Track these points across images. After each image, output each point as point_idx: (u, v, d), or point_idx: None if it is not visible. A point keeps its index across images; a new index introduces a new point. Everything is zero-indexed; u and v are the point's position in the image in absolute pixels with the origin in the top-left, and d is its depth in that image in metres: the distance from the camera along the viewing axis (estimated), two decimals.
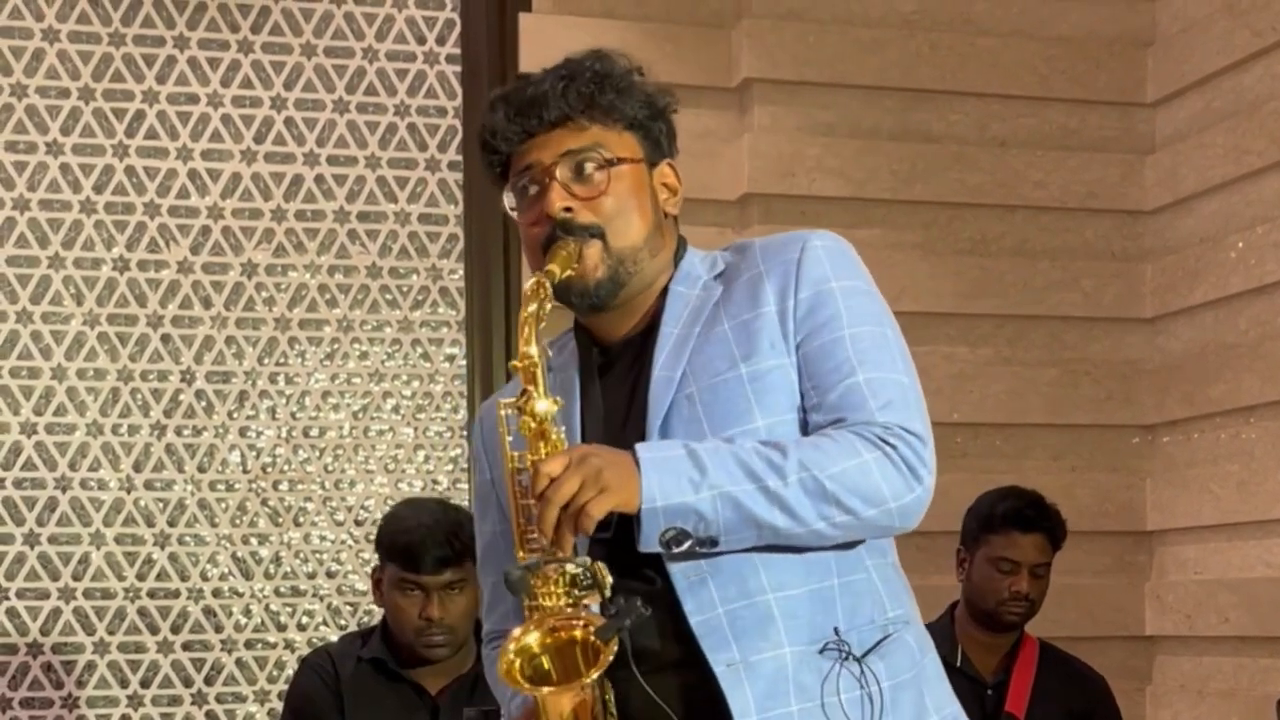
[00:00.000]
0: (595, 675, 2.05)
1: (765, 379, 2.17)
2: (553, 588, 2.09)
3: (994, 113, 4.86)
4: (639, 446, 2.09)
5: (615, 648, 2.04)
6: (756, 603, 2.12)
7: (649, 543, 2.07)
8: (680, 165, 4.78)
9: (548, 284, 2.13)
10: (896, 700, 2.16)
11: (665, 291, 2.27)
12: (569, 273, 2.17)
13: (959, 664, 4.06)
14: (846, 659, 2.13)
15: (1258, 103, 4.56)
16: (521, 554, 2.11)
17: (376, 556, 3.64)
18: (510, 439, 2.15)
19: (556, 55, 4.81)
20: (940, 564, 4.27)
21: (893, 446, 2.13)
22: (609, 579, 2.06)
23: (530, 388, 2.11)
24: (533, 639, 2.09)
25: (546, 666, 2.09)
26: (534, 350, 2.10)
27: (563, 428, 2.14)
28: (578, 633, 2.07)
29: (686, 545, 2.07)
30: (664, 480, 2.06)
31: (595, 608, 2.10)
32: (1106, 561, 4.88)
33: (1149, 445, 4.92)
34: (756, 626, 2.11)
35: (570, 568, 2.07)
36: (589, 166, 2.22)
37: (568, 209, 2.20)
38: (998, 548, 4.06)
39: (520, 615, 2.21)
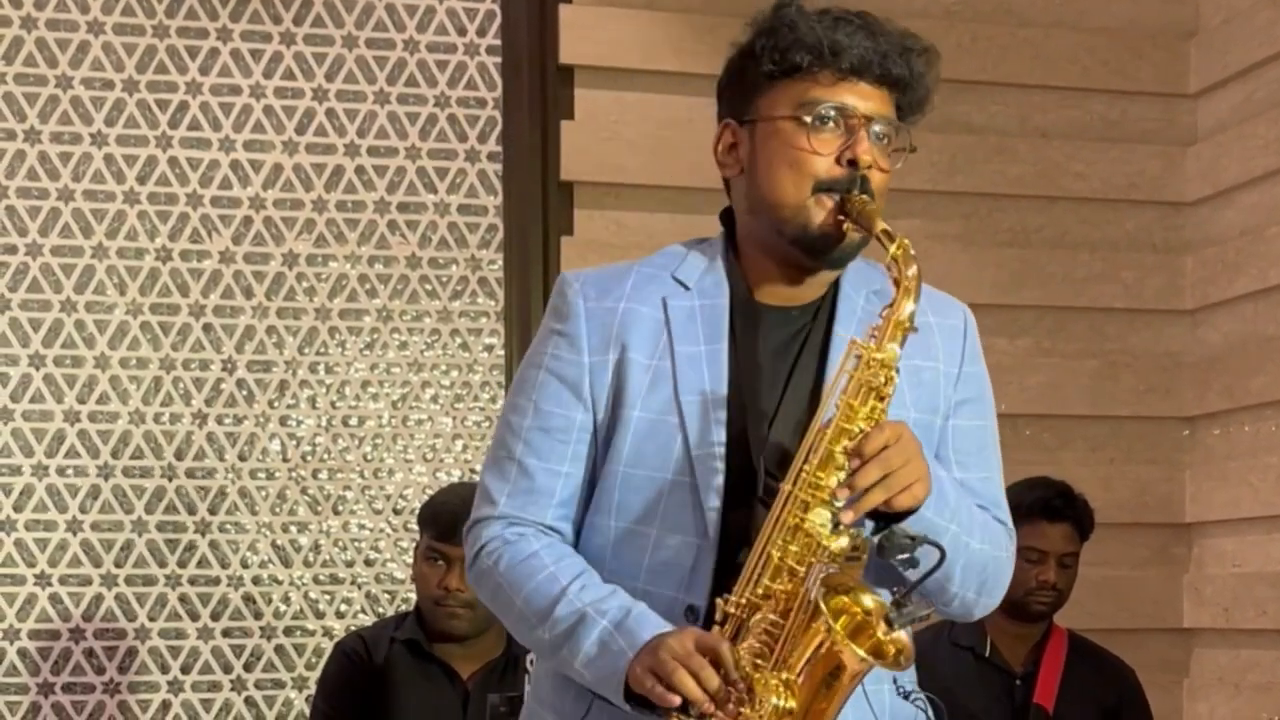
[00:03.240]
0: (879, 661, 2.00)
1: (924, 430, 2.17)
2: (837, 541, 2.04)
3: (1035, 104, 4.85)
4: (925, 454, 2.09)
5: (908, 648, 2.01)
6: None
7: (891, 544, 2.07)
8: None
9: (912, 248, 2.10)
10: None
11: (836, 282, 2.25)
12: (844, 225, 2.13)
13: (988, 654, 4.06)
14: (910, 699, 2.23)
15: None
16: (791, 486, 2.05)
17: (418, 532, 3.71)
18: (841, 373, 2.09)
19: (597, 47, 4.85)
20: None
21: (1012, 556, 2.29)
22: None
23: (896, 348, 2.07)
24: (869, 601, 2.01)
25: (836, 627, 1.99)
26: (913, 311, 2.08)
27: (728, 364, 2.14)
28: (879, 631, 2.01)
29: (906, 555, 2.07)
30: (939, 499, 2.09)
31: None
32: (1145, 554, 4.86)
33: (1189, 437, 4.90)
34: None
35: (918, 534, 2.03)
36: (888, 142, 2.18)
37: (869, 166, 2.15)
38: (1025, 537, 4.04)
39: (562, 523, 2.19)
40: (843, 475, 2.04)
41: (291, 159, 4.45)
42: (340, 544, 4.42)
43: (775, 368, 2.19)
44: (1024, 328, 4.82)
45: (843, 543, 2.04)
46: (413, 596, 4.26)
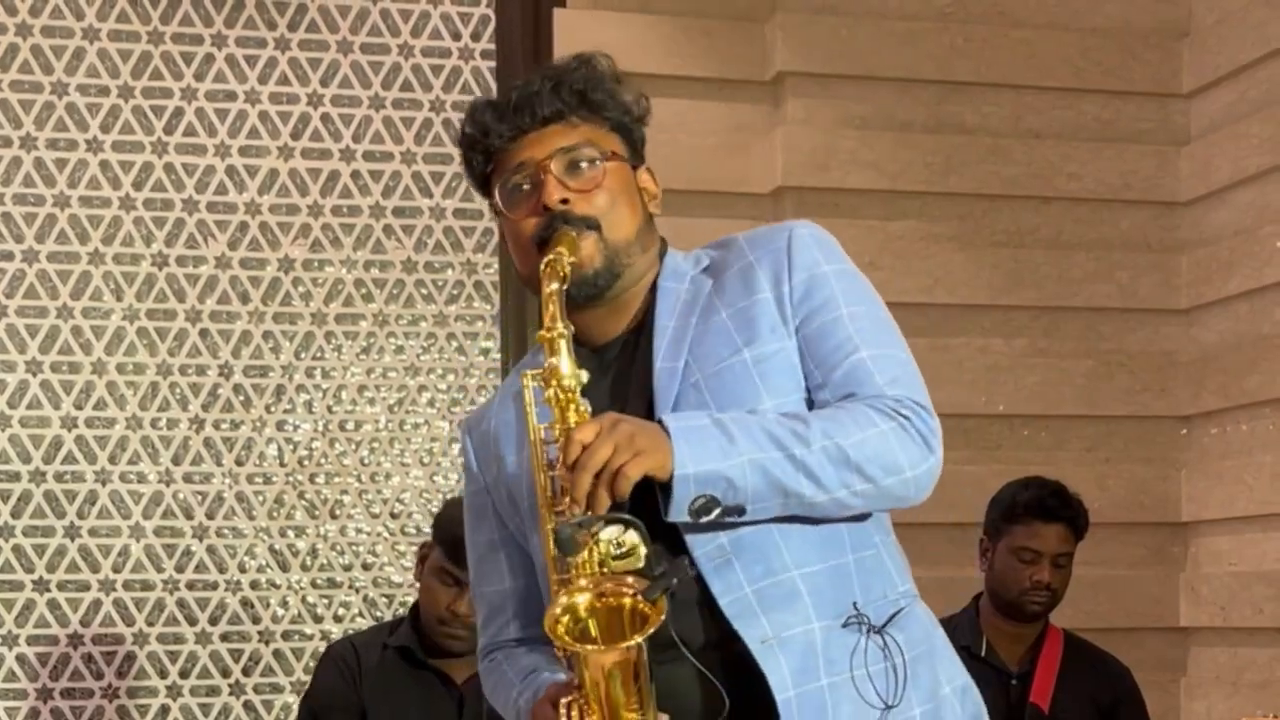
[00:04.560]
0: (644, 636, 2.03)
1: (769, 362, 2.20)
2: (588, 556, 2.08)
3: (1028, 105, 4.86)
4: (666, 416, 2.11)
5: (664, 608, 2.03)
6: (781, 580, 2.15)
7: (678, 512, 2.08)
8: (714, 158, 4.80)
9: (564, 262, 2.16)
10: (916, 672, 2.21)
11: (654, 288, 2.30)
12: (573, 258, 2.18)
13: (984, 654, 4.07)
14: (869, 632, 2.18)
15: None
16: (550, 525, 2.11)
17: (430, 532, 3.69)
18: (535, 410, 2.17)
19: (591, 50, 4.83)
20: (974, 556, 4.27)
21: (906, 418, 2.18)
22: (644, 542, 2.06)
23: (554, 359, 2.12)
24: (582, 600, 2.07)
25: (593, 632, 2.08)
26: (560, 324, 2.12)
27: (586, 401, 2.15)
28: (626, 600, 2.06)
29: (715, 514, 2.08)
30: (694, 448, 2.07)
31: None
32: (1141, 553, 4.87)
33: (1184, 436, 4.91)
34: (784, 603, 2.14)
35: (609, 531, 2.06)
36: (583, 162, 2.25)
37: (564, 201, 2.22)
38: (1019, 537, 4.06)
39: (527, 629, 2.32)
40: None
41: (287, 164, 4.46)
42: (337, 548, 4.43)
43: (612, 403, 2.22)
44: (1019, 328, 4.83)
45: (582, 555, 2.08)
46: (409, 600, 4.26)
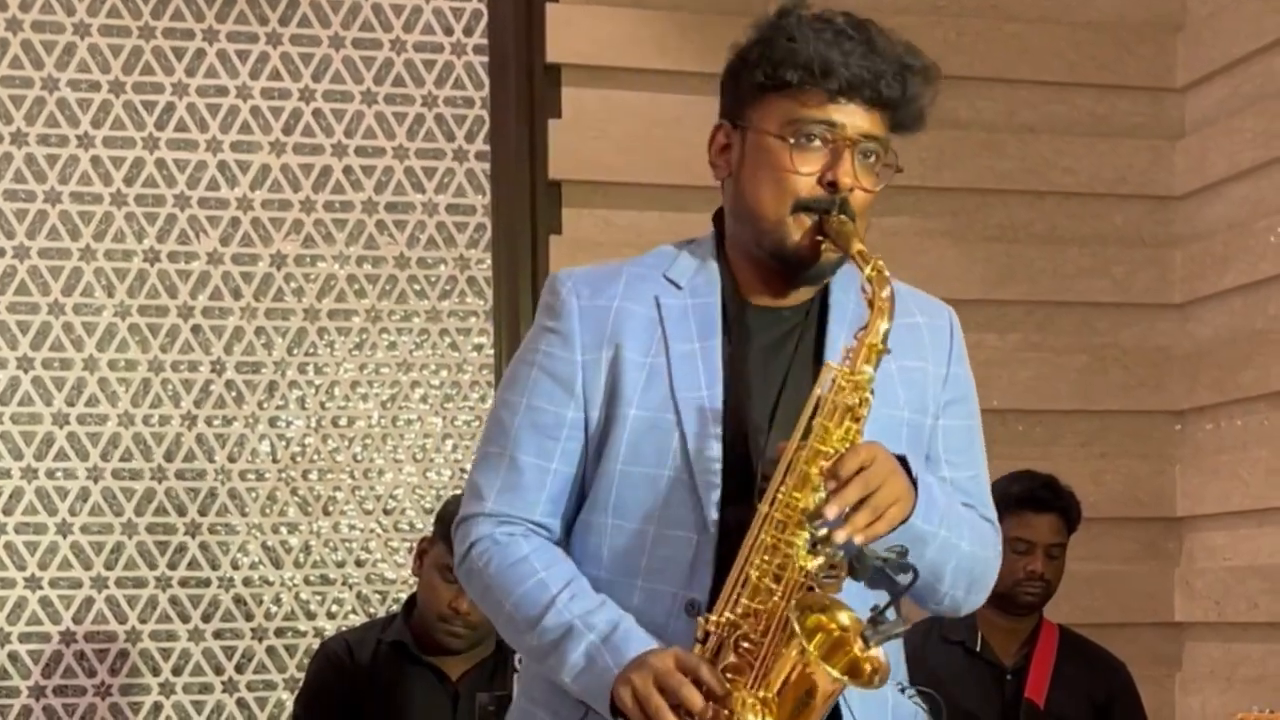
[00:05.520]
0: (866, 684, 2.04)
1: (915, 430, 2.24)
2: (807, 560, 2.06)
3: (1022, 99, 4.85)
4: (915, 468, 2.12)
5: (884, 671, 2.04)
6: None
7: (881, 546, 2.09)
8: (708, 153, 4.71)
9: (886, 269, 2.12)
10: None
11: (826, 283, 2.26)
12: (821, 245, 2.16)
13: (978, 649, 4.07)
14: (909, 696, 2.26)
15: None
16: (768, 507, 2.07)
17: (432, 528, 3.68)
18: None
19: (585, 45, 4.84)
20: None
21: (999, 554, 2.32)
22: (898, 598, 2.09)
23: (871, 369, 2.09)
24: (845, 619, 2.06)
25: (813, 645, 2.04)
26: (885, 343, 2.10)
27: (723, 365, 2.17)
28: (854, 645, 2.05)
29: (895, 562, 2.10)
30: (927, 509, 2.12)
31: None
32: (1135, 548, 4.87)
33: (1179, 431, 4.91)
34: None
35: (889, 557, 2.06)
36: (875, 161, 2.20)
37: (851, 189, 2.17)
38: (1012, 529, 4.07)
39: (550, 518, 2.21)
40: (819, 496, 2.06)
41: (279, 159, 4.44)
42: (331, 545, 4.42)
43: (769, 367, 2.20)
44: (1013, 323, 4.82)
45: (818, 562, 2.07)
46: (403, 596, 4.25)
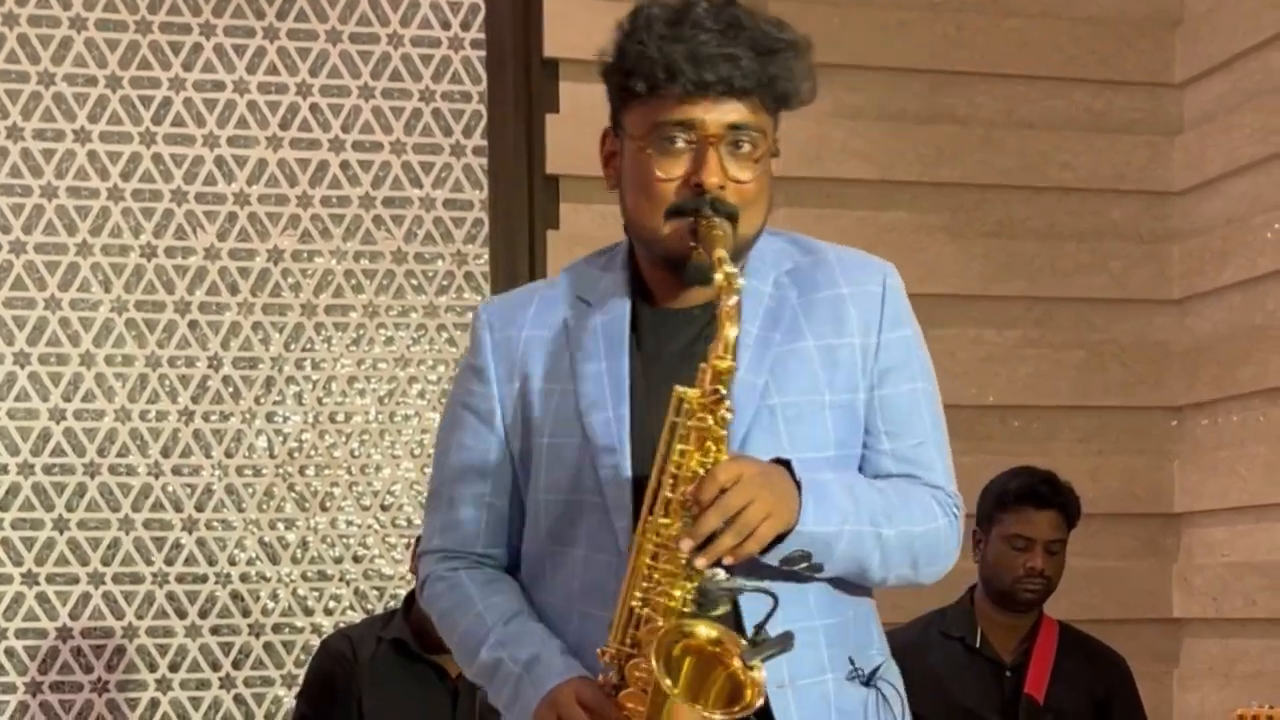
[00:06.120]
0: (745, 713, 1.99)
1: (843, 410, 2.19)
2: (677, 592, 2.04)
3: (1021, 94, 4.84)
4: (798, 467, 2.08)
5: (761, 690, 2.00)
6: (805, 628, 2.12)
7: (775, 557, 2.07)
8: None
9: (737, 276, 2.04)
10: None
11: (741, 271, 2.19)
12: (693, 249, 2.10)
13: (978, 645, 4.06)
14: (870, 685, 2.20)
15: None
16: (642, 537, 2.04)
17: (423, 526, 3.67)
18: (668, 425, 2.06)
19: (582, 39, 4.81)
20: (965, 548, 4.26)
21: (955, 517, 2.24)
22: (768, 614, 2.03)
23: (722, 390, 2.03)
24: (702, 632, 2.03)
25: (681, 669, 2.03)
26: (732, 357, 2.02)
27: (628, 378, 2.13)
28: (733, 661, 2.01)
29: (800, 566, 2.08)
30: (819, 510, 2.07)
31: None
32: (1134, 544, 4.86)
33: (1177, 427, 4.90)
34: (804, 651, 2.10)
35: (741, 584, 2.03)
36: (747, 148, 2.13)
37: (721, 187, 2.11)
38: (1011, 525, 4.06)
39: (490, 549, 2.23)
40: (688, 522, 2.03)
41: (276, 154, 4.44)
42: (328, 541, 4.41)
43: (679, 373, 2.13)
44: (1011, 318, 4.82)
45: (688, 591, 2.03)
46: (400, 593, 4.25)
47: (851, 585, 2.20)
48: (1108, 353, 4.87)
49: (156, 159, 4.36)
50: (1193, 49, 4.87)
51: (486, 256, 4.53)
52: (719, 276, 2.04)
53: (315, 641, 4.22)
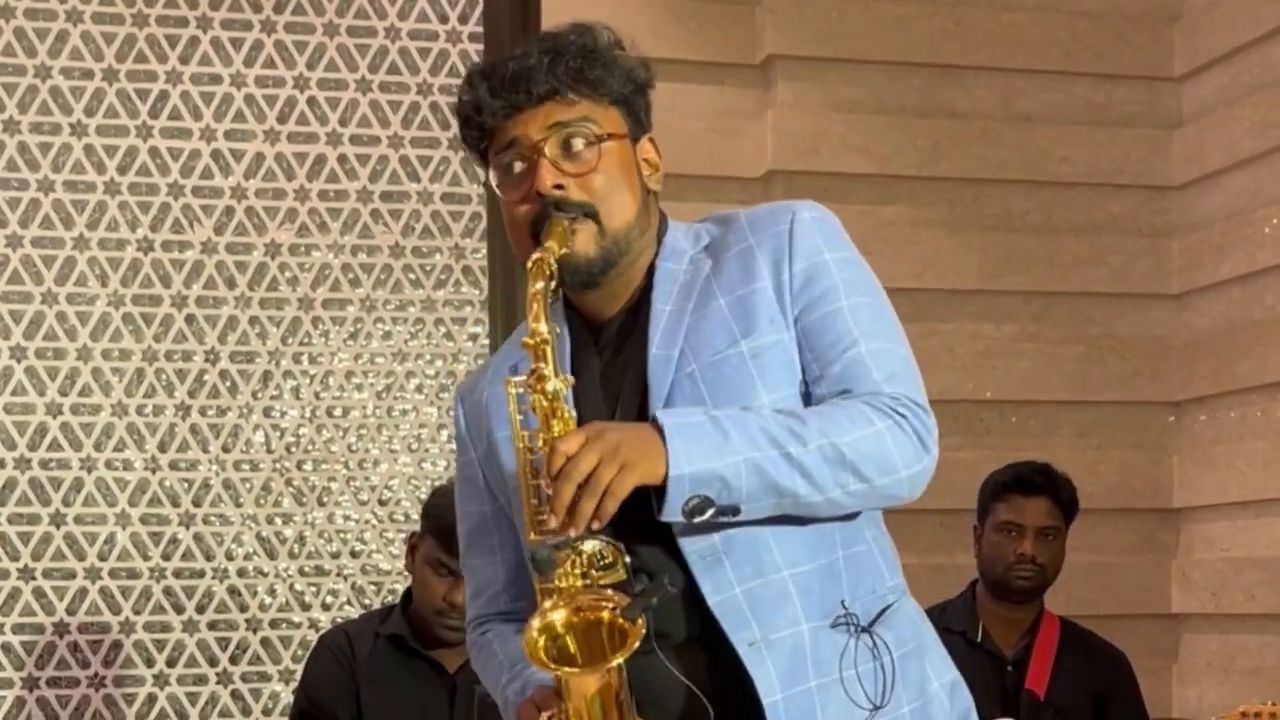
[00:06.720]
0: (624, 657, 2.01)
1: (766, 355, 2.16)
2: (569, 568, 2.06)
3: (1019, 88, 4.84)
4: (661, 413, 2.06)
5: (643, 628, 2.01)
6: (772, 580, 2.11)
7: (672, 512, 2.04)
8: (703, 142, 4.76)
9: (551, 260, 2.09)
10: (905, 670, 2.17)
11: (652, 268, 2.24)
12: (564, 250, 2.12)
13: (979, 640, 4.06)
14: (858, 631, 2.15)
15: None
16: (533, 535, 2.06)
17: (419, 523, 3.67)
18: (520, 418, 2.11)
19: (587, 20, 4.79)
20: (965, 542, 4.27)
21: (903, 416, 2.14)
22: (627, 557, 2.05)
23: (541, 365, 2.06)
24: (558, 617, 2.06)
25: (571, 648, 2.06)
26: (544, 327, 2.06)
27: (572, 406, 2.11)
28: (604, 614, 2.04)
29: (709, 514, 2.04)
30: (690, 447, 2.03)
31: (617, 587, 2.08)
32: (1133, 539, 4.86)
33: (1175, 422, 4.90)
34: (774, 604, 2.11)
35: (590, 545, 2.04)
36: (579, 143, 2.18)
37: (559, 186, 2.15)
38: (1002, 513, 4.10)
39: (518, 601, 2.29)
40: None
41: (273, 148, 4.43)
42: (325, 535, 4.40)
43: (605, 388, 2.18)
44: (1010, 313, 4.81)
45: (589, 553, 2.06)
46: (398, 588, 4.24)
47: (836, 525, 2.16)
48: (1106, 347, 4.86)
49: (153, 152, 4.36)
50: (1192, 42, 4.87)
51: (484, 250, 4.52)
52: (529, 264, 2.09)
53: (313, 637, 4.21)
